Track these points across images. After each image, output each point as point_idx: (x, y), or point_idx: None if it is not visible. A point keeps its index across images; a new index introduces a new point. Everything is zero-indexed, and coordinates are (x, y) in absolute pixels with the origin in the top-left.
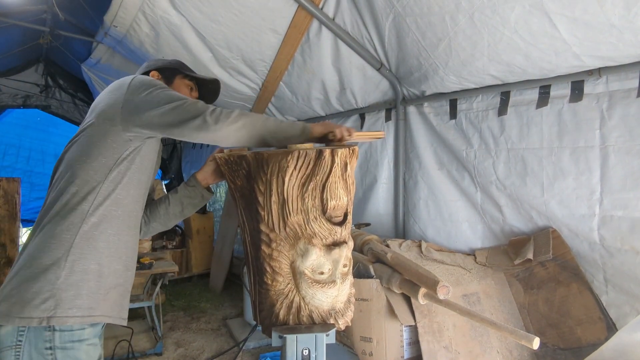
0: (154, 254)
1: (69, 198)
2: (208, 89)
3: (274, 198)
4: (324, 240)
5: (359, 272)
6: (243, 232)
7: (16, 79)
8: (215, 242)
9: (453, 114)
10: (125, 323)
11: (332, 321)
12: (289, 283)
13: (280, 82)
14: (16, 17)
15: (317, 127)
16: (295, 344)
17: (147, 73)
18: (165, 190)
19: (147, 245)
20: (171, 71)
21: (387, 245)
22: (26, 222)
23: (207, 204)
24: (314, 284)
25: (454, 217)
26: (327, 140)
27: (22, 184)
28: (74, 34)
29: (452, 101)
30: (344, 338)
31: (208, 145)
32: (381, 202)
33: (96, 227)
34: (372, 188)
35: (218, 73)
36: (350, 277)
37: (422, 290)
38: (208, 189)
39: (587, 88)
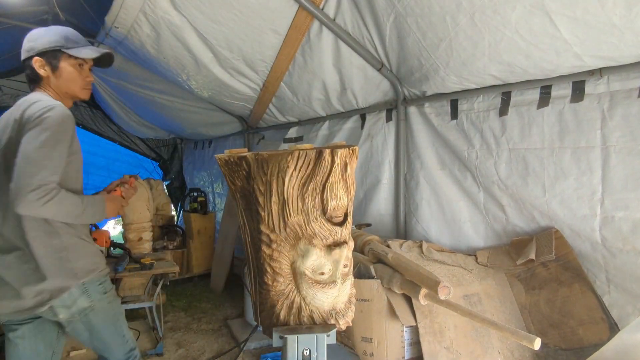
0: (155, 255)
1: None
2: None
3: (274, 198)
4: (324, 240)
5: (360, 273)
6: (243, 232)
7: (17, 79)
8: (216, 243)
9: (454, 114)
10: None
11: (332, 321)
12: (289, 283)
13: (281, 83)
14: (17, 17)
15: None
16: (296, 344)
17: (29, 59)
18: (165, 190)
19: (148, 245)
20: (53, 54)
21: (388, 246)
22: None
23: (209, 205)
24: (315, 284)
25: (456, 217)
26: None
27: None
28: None
29: (453, 101)
30: (345, 338)
31: (210, 145)
32: (383, 202)
33: None
34: (374, 188)
35: (219, 73)
36: (351, 278)
37: (423, 291)
38: None
39: (589, 88)
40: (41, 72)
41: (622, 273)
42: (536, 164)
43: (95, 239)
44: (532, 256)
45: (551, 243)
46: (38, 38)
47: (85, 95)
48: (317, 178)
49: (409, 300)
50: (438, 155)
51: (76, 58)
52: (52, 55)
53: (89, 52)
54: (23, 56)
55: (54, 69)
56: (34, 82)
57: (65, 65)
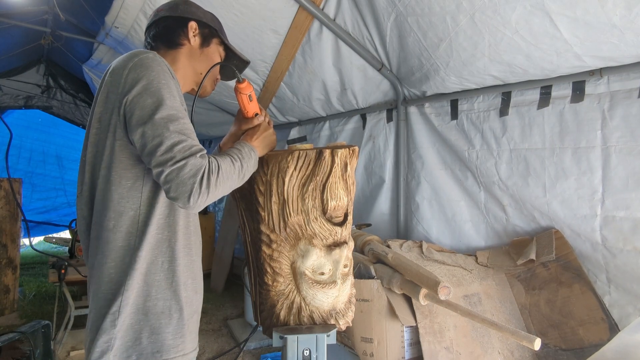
0: None
1: (108, 234)
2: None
3: (274, 199)
4: (324, 240)
5: (360, 273)
6: (243, 232)
7: (17, 79)
8: (216, 243)
9: (454, 114)
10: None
11: (332, 322)
12: (289, 284)
13: (281, 83)
14: (17, 18)
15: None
16: (296, 344)
17: (184, 19)
18: None
19: None
20: (211, 31)
21: (388, 246)
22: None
23: (209, 205)
24: (315, 284)
25: (457, 217)
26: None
27: (24, 184)
28: (75, 34)
29: (453, 101)
30: (345, 338)
31: (210, 145)
32: (386, 202)
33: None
34: (378, 189)
35: None
36: (351, 278)
37: (423, 291)
38: None
39: (589, 88)
40: (190, 39)
41: (623, 273)
42: (537, 164)
43: None
44: (533, 256)
45: (551, 243)
46: (198, 9)
47: (209, 90)
48: (317, 178)
49: (409, 300)
50: (439, 155)
51: (225, 47)
52: (209, 31)
53: (238, 53)
54: (169, 13)
55: (204, 43)
56: (164, 44)
57: (214, 49)
